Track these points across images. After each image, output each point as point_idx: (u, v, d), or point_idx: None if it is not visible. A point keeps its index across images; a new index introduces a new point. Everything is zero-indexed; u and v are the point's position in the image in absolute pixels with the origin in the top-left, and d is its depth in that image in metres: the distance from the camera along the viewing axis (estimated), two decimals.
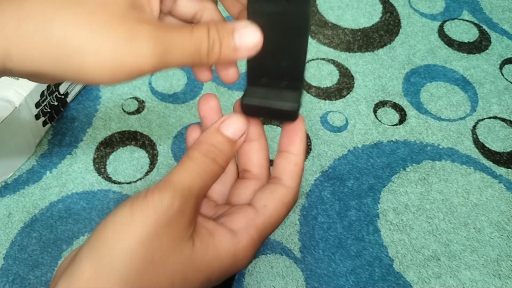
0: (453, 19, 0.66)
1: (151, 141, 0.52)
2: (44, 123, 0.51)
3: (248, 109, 0.28)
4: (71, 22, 0.21)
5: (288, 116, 0.27)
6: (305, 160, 0.28)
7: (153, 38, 0.22)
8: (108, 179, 0.49)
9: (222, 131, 0.26)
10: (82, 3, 0.21)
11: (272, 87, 0.27)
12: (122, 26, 0.21)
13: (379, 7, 0.66)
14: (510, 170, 0.52)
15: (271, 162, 0.33)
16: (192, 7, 0.29)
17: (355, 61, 0.60)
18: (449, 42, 0.63)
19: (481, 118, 0.56)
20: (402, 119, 0.55)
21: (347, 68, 0.60)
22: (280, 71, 0.26)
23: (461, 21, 0.65)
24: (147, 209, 0.22)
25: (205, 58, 0.24)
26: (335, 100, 0.57)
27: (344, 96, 0.57)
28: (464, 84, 0.59)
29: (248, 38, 0.25)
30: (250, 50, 0.25)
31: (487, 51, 0.62)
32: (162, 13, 0.28)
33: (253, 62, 0.27)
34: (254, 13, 0.25)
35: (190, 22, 0.29)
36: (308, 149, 0.52)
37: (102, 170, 0.50)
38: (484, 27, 0.65)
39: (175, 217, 0.22)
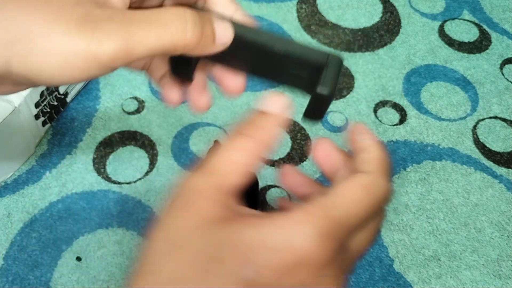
0: (453, 19, 0.66)
1: (151, 141, 0.52)
2: (44, 123, 0.51)
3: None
4: (22, 7, 0.19)
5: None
6: (382, 151, 0.23)
7: (113, 21, 0.20)
8: (108, 179, 0.49)
9: None
10: None
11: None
12: (77, 11, 0.20)
13: (379, 7, 0.66)
14: (510, 170, 0.52)
15: None
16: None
17: (355, 61, 0.60)
18: (450, 42, 0.63)
19: (482, 118, 0.56)
20: (403, 119, 0.55)
21: (347, 68, 0.59)
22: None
23: (461, 21, 0.65)
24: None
25: (182, 42, 0.21)
26: (335, 100, 0.57)
27: (344, 96, 0.57)
28: (465, 84, 0.59)
29: (227, 31, 0.23)
30: (224, 45, 0.23)
31: (487, 51, 0.62)
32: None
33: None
34: None
35: None
36: (308, 149, 0.52)
37: (102, 170, 0.50)
38: (485, 27, 0.65)
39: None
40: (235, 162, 0.22)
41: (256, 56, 0.24)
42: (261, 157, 0.22)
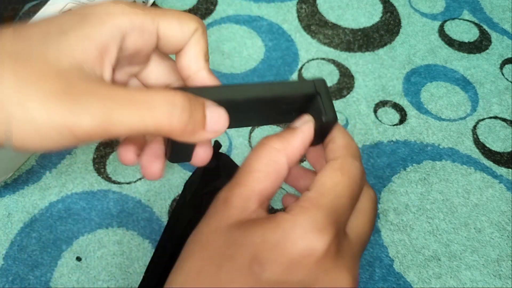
0: (453, 19, 0.66)
1: None
2: None
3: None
4: (2, 73, 0.18)
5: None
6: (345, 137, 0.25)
7: (95, 96, 0.19)
8: (108, 179, 0.49)
9: None
10: (17, 56, 0.19)
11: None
12: (58, 81, 0.19)
13: (379, 7, 0.66)
14: (510, 170, 0.52)
15: None
16: (162, 78, 0.26)
17: (355, 61, 0.60)
18: (450, 42, 0.63)
19: (482, 118, 0.56)
20: (403, 119, 0.55)
21: (347, 68, 0.59)
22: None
23: (461, 21, 0.65)
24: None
25: (167, 127, 0.20)
26: (335, 100, 0.57)
27: (344, 96, 0.57)
28: (465, 84, 0.59)
29: (221, 118, 0.23)
30: (216, 133, 0.23)
31: (487, 51, 0.62)
32: (122, 77, 0.25)
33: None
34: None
35: None
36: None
37: (102, 170, 0.50)
38: (485, 27, 0.65)
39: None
40: (258, 171, 0.23)
41: (246, 110, 0.25)
42: (285, 168, 0.23)
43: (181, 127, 0.21)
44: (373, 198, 0.25)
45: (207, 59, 0.25)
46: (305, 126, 0.24)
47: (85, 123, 0.19)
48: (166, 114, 0.20)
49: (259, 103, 0.24)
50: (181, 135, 0.21)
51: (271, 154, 0.23)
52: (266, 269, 0.20)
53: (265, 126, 0.54)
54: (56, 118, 0.19)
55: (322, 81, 0.25)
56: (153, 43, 0.23)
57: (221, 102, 0.23)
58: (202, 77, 0.25)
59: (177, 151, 0.25)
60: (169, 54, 0.25)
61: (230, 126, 0.24)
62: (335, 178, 0.22)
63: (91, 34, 0.21)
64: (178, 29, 0.23)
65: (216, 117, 0.22)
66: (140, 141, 0.26)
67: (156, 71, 0.26)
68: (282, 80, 0.22)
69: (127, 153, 0.26)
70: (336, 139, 0.24)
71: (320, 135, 0.25)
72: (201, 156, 0.26)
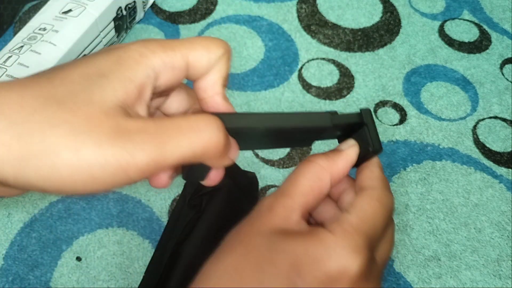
0: (453, 18, 0.66)
1: None
2: None
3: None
4: (49, 119, 0.19)
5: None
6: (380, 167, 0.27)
7: (146, 132, 0.20)
8: None
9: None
10: (63, 101, 0.19)
11: None
12: (108, 123, 0.19)
13: (379, 7, 0.66)
14: (510, 170, 0.52)
15: None
16: (182, 105, 0.27)
17: (355, 61, 0.60)
18: (450, 41, 0.63)
19: (482, 118, 0.56)
20: (403, 119, 0.55)
21: (347, 68, 0.59)
22: None
23: (461, 20, 0.65)
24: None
25: (214, 148, 0.21)
26: (335, 100, 0.57)
27: (344, 96, 0.57)
28: (465, 84, 0.59)
29: (236, 147, 0.24)
30: (232, 161, 0.24)
31: (487, 51, 0.62)
32: (150, 111, 0.25)
33: None
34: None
35: None
36: (308, 149, 0.52)
37: None
38: (485, 26, 0.65)
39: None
40: (303, 185, 0.24)
41: (267, 138, 0.26)
42: (328, 185, 0.25)
43: (224, 148, 0.22)
44: (394, 228, 0.27)
45: (225, 85, 0.25)
46: (351, 149, 0.26)
47: (139, 160, 0.19)
48: (214, 136, 0.21)
49: (278, 133, 0.26)
50: (220, 156, 0.22)
51: (317, 171, 0.25)
52: (304, 279, 0.21)
53: None
54: (111, 160, 0.19)
55: (369, 111, 0.26)
56: (183, 76, 0.24)
57: (239, 130, 0.24)
58: (216, 102, 0.25)
59: (195, 171, 0.26)
60: (191, 80, 0.26)
61: (244, 149, 0.25)
62: (375, 207, 0.24)
63: (130, 76, 0.21)
64: (206, 58, 0.24)
65: (234, 144, 0.24)
66: None
67: (176, 99, 0.27)
68: (302, 111, 0.25)
69: (160, 178, 0.25)
70: (374, 169, 0.26)
71: (359, 161, 0.27)
72: (215, 177, 0.27)
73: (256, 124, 0.24)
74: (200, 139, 0.21)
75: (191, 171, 0.26)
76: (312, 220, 0.28)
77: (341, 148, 0.26)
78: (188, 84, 0.27)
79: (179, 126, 0.20)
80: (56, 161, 0.18)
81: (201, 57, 0.23)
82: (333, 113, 0.26)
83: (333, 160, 0.25)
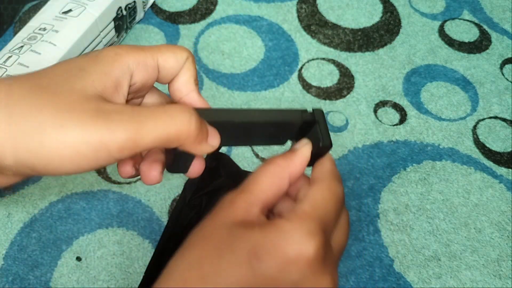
0: (453, 18, 0.66)
1: None
2: None
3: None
4: (34, 103, 0.21)
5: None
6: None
7: (124, 113, 0.22)
8: (108, 179, 0.49)
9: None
10: (48, 88, 0.22)
11: None
12: (89, 105, 0.22)
13: (379, 7, 0.66)
14: (510, 170, 0.52)
15: None
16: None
17: (355, 61, 0.60)
18: (450, 42, 0.63)
19: (482, 118, 0.56)
20: (403, 119, 0.55)
21: (347, 68, 0.59)
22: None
23: (461, 20, 0.65)
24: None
25: (186, 132, 0.24)
26: (335, 100, 0.57)
27: (344, 96, 0.57)
28: (465, 84, 0.59)
29: (216, 135, 0.26)
30: (213, 148, 0.26)
31: (487, 51, 0.62)
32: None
33: None
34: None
35: None
36: None
37: (102, 170, 0.50)
38: (485, 27, 0.65)
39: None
40: (263, 182, 0.26)
41: (242, 132, 0.28)
42: (287, 182, 0.27)
43: (196, 133, 0.24)
44: (348, 216, 0.29)
45: (196, 83, 0.29)
46: (305, 147, 0.28)
47: (119, 137, 0.21)
48: (186, 120, 0.24)
49: (252, 128, 0.28)
50: (194, 141, 0.24)
51: (276, 170, 0.27)
52: (263, 263, 0.22)
53: None
54: (94, 136, 0.21)
55: (320, 111, 0.29)
56: (155, 75, 0.28)
57: (216, 123, 0.26)
58: (192, 98, 0.29)
59: (178, 162, 0.28)
60: (165, 83, 0.29)
61: (223, 144, 0.27)
62: (326, 195, 0.26)
63: (107, 71, 0.24)
64: (173, 60, 0.27)
65: (213, 133, 0.26)
66: (137, 157, 0.29)
67: (151, 102, 0.31)
68: (276, 108, 0.27)
69: (126, 167, 0.29)
70: (325, 163, 0.28)
71: (315, 158, 0.29)
72: (197, 168, 0.29)
73: (230, 118, 0.27)
74: (173, 123, 0.23)
75: (175, 163, 0.28)
76: (272, 217, 0.29)
77: (296, 147, 0.28)
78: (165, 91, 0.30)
79: (154, 111, 0.23)
80: (44, 138, 0.21)
81: (169, 58, 0.27)
82: (304, 111, 0.28)
83: (290, 159, 0.27)
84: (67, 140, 0.21)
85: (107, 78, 0.24)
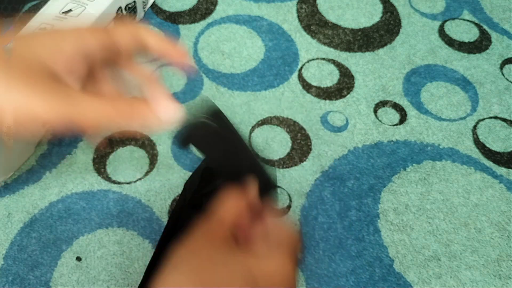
0: (453, 18, 0.66)
1: (151, 141, 0.52)
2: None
3: None
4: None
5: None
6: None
7: (56, 89, 0.26)
8: (108, 179, 0.49)
9: None
10: (4, 61, 0.26)
11: None
12: (29, 79, 0.25)
13: (379, 7, 0.66)
14: (510, 170, 0.52)
15: None
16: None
17: (355, 61, 0.60)
18: (450, 42, 0.63)
19: (482, 118, 0.56)
20: (403, 119, 0.55)
21: (347, 68, 0.59)
22: None
23: (461, 21, 0.65)
24: None
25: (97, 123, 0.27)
26: (335, 100, 0.57)
27: (344, 96, 0.57)
28: (465, 84, 0.59)
29: (170, 108, 0.29)
30: (168, 122, 0.29)
31: (487, 51, 0.62)
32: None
33: None
34: None
35: None
36: (308, 149, 0.52)
37: (102, 170, 0.50)
38: (485, 27, 0.65)
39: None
40: (227, 210, 0.32)
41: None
42: (245, 208, 0.33)
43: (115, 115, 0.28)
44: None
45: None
46: (252, 184, 0.35)
47: (52, 108, 0.25)
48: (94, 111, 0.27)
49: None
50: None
51: (235, 200, 0.33)
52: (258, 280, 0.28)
53: (265, 126, 0.54)
54: (20, 98, 0.25)
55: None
56: (115, 53, 0.30)
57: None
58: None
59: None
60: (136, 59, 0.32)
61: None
62: (279, 269, 0.30)
63: (62, 48, 0.27)
64: (127, 33, 0.30)
65: (166, 109, 0.29)
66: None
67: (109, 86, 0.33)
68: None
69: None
70: (283, 233, 0.33)
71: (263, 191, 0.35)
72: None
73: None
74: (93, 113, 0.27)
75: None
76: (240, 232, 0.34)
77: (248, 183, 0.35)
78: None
79: (84, 99, 0.26)
80: None
81: (123, 33, 0.30)
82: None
83: (246, 191, 0.33)
84: (12, 97, 0.25)
85: (61, 56, 0.27)
